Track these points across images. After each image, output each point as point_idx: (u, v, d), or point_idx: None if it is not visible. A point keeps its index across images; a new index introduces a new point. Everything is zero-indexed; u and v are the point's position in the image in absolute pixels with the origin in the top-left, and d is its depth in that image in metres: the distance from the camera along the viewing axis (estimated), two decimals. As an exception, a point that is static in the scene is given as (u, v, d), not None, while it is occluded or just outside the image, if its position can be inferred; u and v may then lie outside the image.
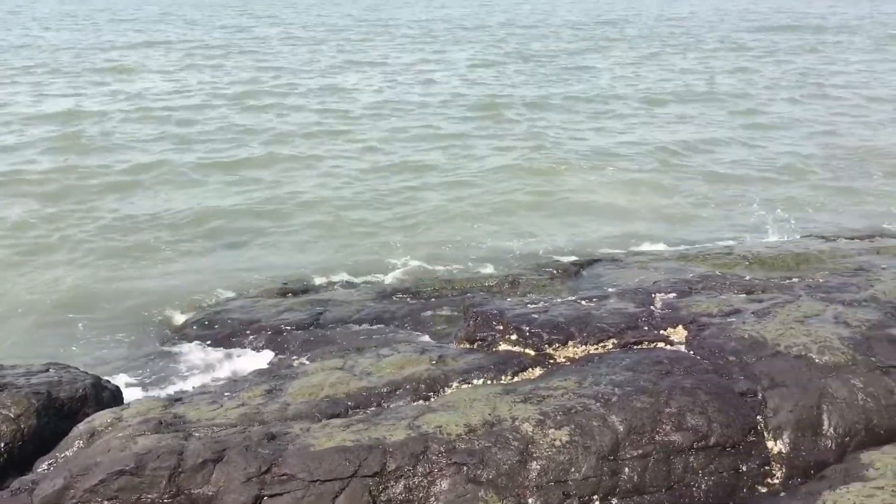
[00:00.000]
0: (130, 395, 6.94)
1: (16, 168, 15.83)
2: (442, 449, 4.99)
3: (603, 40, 41.06)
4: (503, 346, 6.62)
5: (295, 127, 20.14)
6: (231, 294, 9.83)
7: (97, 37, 42.79)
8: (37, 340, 8.69)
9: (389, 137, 18.96)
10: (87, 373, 6.55)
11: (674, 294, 7.34)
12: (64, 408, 5.87)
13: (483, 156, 17.37)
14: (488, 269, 10.45)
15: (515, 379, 6.03)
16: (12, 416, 5.39)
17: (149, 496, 4.72)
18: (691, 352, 6.13)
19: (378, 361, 6.40)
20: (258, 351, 7.96)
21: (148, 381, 7.45)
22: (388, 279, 10.30)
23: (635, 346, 6.32)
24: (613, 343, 6.40)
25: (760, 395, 5.52)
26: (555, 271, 9.64)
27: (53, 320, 9.21)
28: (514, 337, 6.64)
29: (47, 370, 6.41)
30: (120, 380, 7.24)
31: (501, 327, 6.76)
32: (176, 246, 11.69)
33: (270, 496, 4.71)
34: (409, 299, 9.56)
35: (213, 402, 5.77)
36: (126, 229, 12.31)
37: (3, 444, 5.14)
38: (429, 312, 9.22)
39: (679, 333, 6.45)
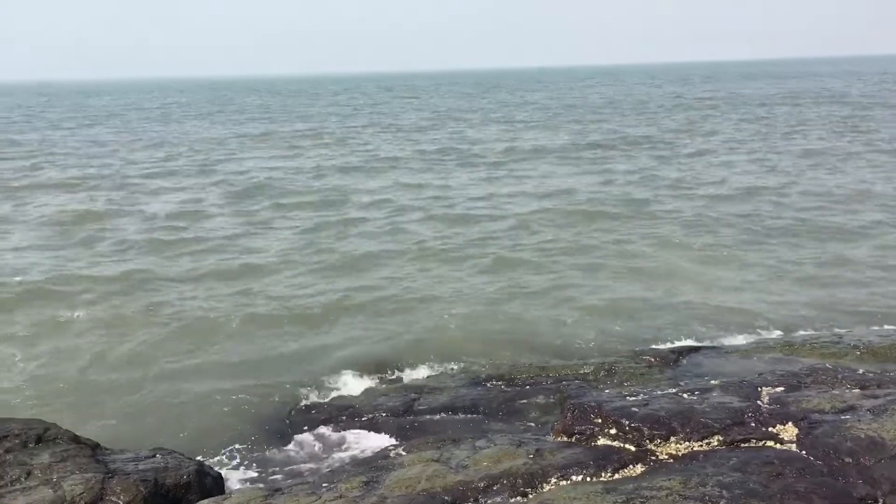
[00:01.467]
0: (230, 475, 7.07)
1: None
2: (542, 551, 4.85)
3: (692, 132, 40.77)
4: (602, 441, 6.45)
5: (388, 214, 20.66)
6: (329, 379, 9.97)
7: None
8: (144, 419, 8.98)
9: (483, 233, 19.15)
10: (191, 458, 6.72)
11: (781, 388, 7.04)
12: (169, 494, 6.00)
13: (580, 237, 17.35)
14: (583, 355, 10.29)
15: (616, 476, 5.85)
16: (122, 503, 5.54)
17: (249, 590, 4.74)
18: (803, 452, 5.83)
19: (474, 454, 6.33)
20: (356, 439, 8.00)
21: (247, 467, 7.57)
22: (481, 366, 10.24)
23: (742, 444, 6.06)
24: (718, 440, 6.15)
25: (881, 501, 5.19)
26: (652, 359, 9.42)
27: (154, 398, 9.53)
28: (613, 431, 6.47)
29: (154, 456, 6.61)
30: (220, 463, 7.39)
31: (600, 420, 6.61)
32: (269, 333, 11.99)
33: None
34: (503, 386, 9.50)
35: (311, 493, 5.80)
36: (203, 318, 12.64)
37: (111, 532, 5.27)
38: (523, 401, 9.13)
39: (789, 431, 6.16)
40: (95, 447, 6.73)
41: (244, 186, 25.18)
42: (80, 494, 5.48)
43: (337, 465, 7.08)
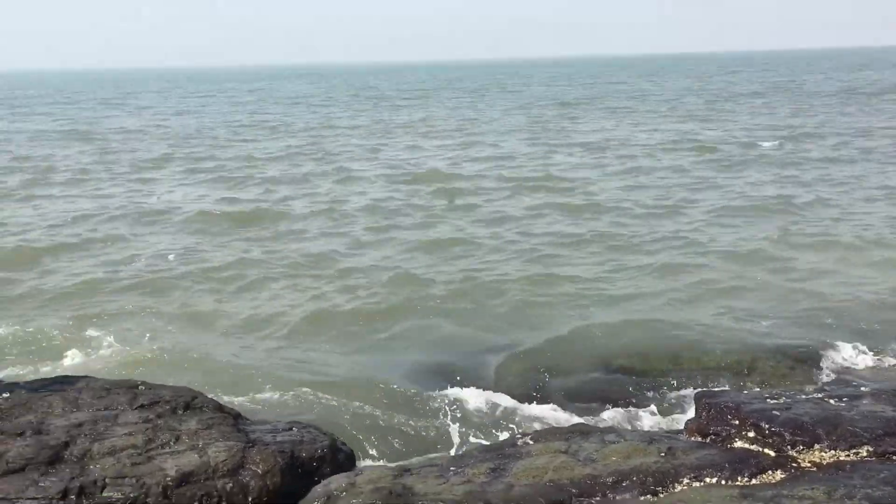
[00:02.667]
0: (361, 453, 7.26)
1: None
2: (672, 553, 4.71)
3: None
4: (739, 443, 6.19)
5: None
6: (461, 362, 10.08)
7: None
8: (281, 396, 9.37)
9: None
10: (325, 433, 6.95)
11: (942, 398, 6.52)
12: (304, 466, 6.22)
13: (709, 228, 16.70)
14: (721, 349, 9.87)
15: (753, 481, 5.60)
16: (260, 472, 5.80)
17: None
18: (965, 469, 5.38)
19: (603, 447, 6.22)
20: (484, 421, 8.05)
21: (377, 445, 7.76)
22: (613, 356, 10.03)
23: (895, 457, 5.66)
24: (868, 451, 5.77)
25: None
26: (796, 359, 8.96)
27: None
28: (751, 434, 6.19)
29: (291, 429, 6.87)
30: (352, 439, 7.59)
31: (737, 422, 6.34)
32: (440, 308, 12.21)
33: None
34: (634, 378, 9.30)
35: (440, 475, 5.88)
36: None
37: (251, 499, 5.52)
38: (655, 394, 8.91)
39: (949, 446, 5.69)
40: (237, 416, 7.07)
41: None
42: (223, 461, 5.78)
43: (465, 449, 7.14)
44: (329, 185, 23.52)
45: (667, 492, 5.54)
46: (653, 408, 8.52)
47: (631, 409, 8.50)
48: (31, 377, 8.19)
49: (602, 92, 71.41)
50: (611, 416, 8.32)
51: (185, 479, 5.48)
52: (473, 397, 8.77)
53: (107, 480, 5.41)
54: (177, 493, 5.36)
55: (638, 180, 22.77)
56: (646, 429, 7.86)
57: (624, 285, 13.19)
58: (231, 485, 5.54)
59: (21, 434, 6.21)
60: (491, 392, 8.92)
